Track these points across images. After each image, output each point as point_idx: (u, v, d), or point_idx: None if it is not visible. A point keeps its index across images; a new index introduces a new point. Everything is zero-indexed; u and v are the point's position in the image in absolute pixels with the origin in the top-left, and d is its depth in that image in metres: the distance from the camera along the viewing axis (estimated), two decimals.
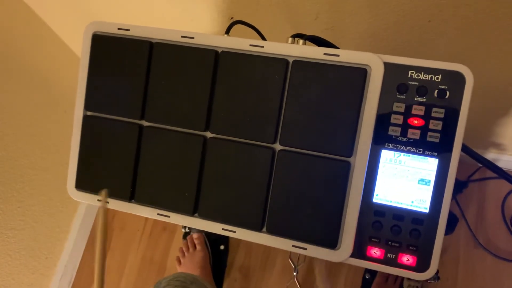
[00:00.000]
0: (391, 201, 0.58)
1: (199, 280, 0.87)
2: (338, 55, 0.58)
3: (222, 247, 1.36)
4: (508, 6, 0.66)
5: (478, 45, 0.77)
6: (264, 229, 0.62)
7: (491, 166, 0.75)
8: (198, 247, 1.28)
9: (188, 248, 1.29)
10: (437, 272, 1.04)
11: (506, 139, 1.13)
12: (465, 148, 0.70)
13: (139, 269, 1.43)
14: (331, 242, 0.59)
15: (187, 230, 1.36)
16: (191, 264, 1.25)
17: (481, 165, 1.25)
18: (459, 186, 1.25)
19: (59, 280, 1.40)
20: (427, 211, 0.57)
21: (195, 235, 1.31)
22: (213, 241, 1.34)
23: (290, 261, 1.23)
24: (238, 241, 1.37)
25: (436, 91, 0.56)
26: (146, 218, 1.46)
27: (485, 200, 1.25)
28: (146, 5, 0.94)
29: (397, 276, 1.16)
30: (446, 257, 1.21)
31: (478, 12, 0.69)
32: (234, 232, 0.63)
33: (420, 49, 0.80)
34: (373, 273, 1.22)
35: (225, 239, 1.36)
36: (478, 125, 1.07)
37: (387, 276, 1.18)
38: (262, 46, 0.61)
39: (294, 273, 1.19)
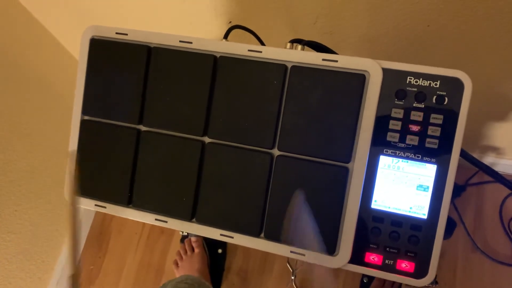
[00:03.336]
0: (389, 207, 0.58)
1: (206, 284, 0.87)
2: (336, 61, 0.58)
3: (220, 250, 1.35)
4: (507, 12, 0.66)
5: (477, 50, 0.77)
6: (262, 235, 0.62)
7: (488, 170, 0.75)
8: (196, 250, 1.28)
9: (186, 251, 1.29)
10: (435, 276, 1.04)
11: (505, 143, 1.13)
12: (462, 153, 0.70)
13: (137, 273, 1.43)
14: (329, 248, 0.59)
15: (185, 233, 1.36)
16: (189, 267, 1.25)
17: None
18: (457, 190, 1.25)
19: (56, 283, 1.39)
20: (425, 217, 0.57)
21: (193, 238, 1.30)
22: (211, 245, 1.34)
23: (288, 265, 1.23)
24: (236, 244, 1.37)
25: (435, 97, 0.56)
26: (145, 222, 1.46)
27: (483, 204, 1.25)
28: (145, 9, 0.94)
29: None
30: (444, 261, 1.21)
31: (476, 17, 0.69)
32: (232, 237, 0.63)
33: (419, 54, 0.81)
34: (371, 277, 1.22)
35: (223, 243, 1.36)
36: (477, 129, 1.07)
37: (384, 280, 1.17)
38: (261, 52, 0.61)
39: (292, 277, 1.19)
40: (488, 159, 1.21)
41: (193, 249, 1.29)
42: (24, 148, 1.20)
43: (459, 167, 0.56)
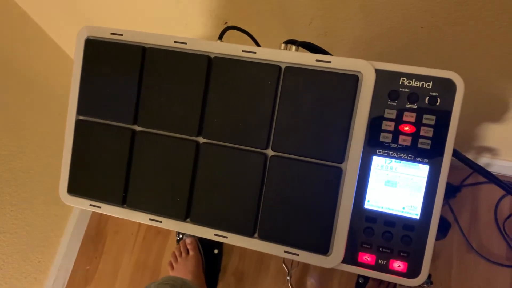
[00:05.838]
0: (382, 207, 0.58)
1: (189, 284, 0.87)
2: (330, 62, 0.58)
3: (216, 251, 1.35)
4: (499, 13, 0.67)
5: (470, 50, 0.77)
6: (256, 235, 0.62)
7: (482, 171, 0.76)
8: (191, 252, 1.28)
9: (180, 253, 1.29)
10: (430, 276, 1.04)
11: (499, 144, 1.14)
12: (456, 153, 0.71)
13: (133, 273, 1.43)
14: (323, 248, 0.59)
15: (180, 236, 1.36)
16: (184, 269, 1.25)
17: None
18: (452, 190, 1.26)
19: (52, 284, 1.39)
20: (418, 217, 0.57)
21: (188, 240, 1.30)
22: (207, 245, 1.34)
23: (283, 265, 1.23)
24: (232, 245, 1.37)
25: (427, 98, 0.56)
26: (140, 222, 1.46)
27: (478, 205, 1.26)
28: (140, 10, 0.94)
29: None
30: (439, 261, 1.22)
31: (469, 18, 0.69)
32: (226, 237, 0.63)
33: (413, 55, 0.81)
34: (366, 277, 1.22)
35: (219, 243, 1.36)
36: (471, 131, 1.08)
37: (380, 280, 1.18)
38: (255, 52, 0.61)
39: (288, 277, 1.19)
40: (483, 160, 1.21)
41: (188, 251, 1.29)
42: (19, 148, 1.20)
43: (454, 168, 0.56)
